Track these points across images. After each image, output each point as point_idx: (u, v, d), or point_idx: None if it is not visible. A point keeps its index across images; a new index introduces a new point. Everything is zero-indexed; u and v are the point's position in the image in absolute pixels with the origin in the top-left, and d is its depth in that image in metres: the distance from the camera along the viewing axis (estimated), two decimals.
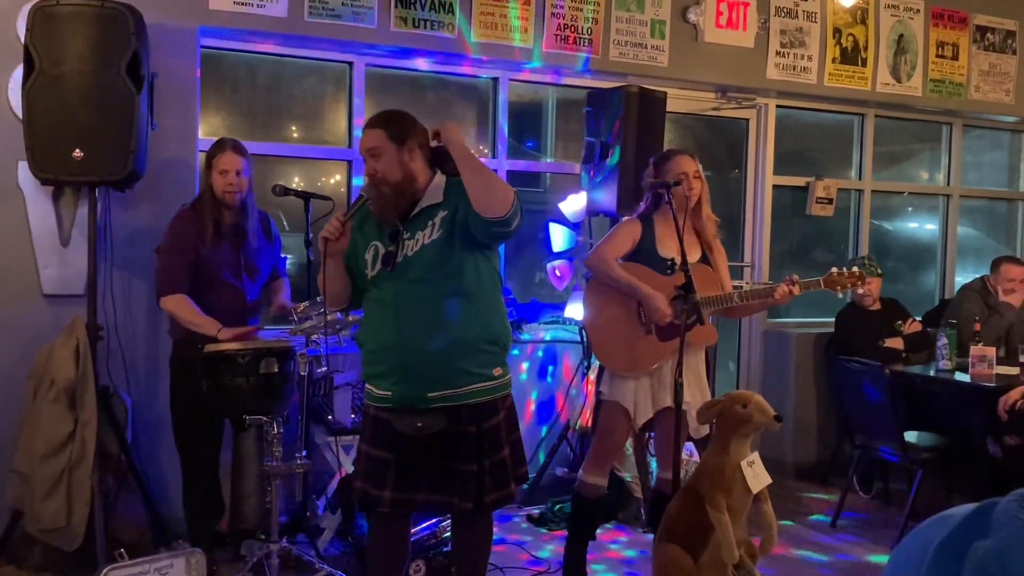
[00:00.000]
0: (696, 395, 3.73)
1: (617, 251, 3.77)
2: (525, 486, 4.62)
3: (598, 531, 4.73)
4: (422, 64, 5.01)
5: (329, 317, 3.62)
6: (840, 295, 3.79)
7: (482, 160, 5.29)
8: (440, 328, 2.93)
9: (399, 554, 3.21)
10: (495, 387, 3.04)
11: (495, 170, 5.23)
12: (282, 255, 4.28)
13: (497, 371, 3.05)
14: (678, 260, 3.64)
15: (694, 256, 3.75)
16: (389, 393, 2.98)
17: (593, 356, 4.27)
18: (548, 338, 5.28)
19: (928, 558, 0.73)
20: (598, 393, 3.88)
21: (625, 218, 3.99)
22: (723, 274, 3.82)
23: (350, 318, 3.71)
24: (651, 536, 4.01)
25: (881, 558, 4.47)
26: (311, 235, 4.03)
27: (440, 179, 3.03)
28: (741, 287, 3.92)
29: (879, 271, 5.48)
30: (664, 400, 3.71)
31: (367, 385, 3.10)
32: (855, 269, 3.80)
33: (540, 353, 5.29)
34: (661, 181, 3.70)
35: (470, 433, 2.97)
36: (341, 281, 3.07)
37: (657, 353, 3.70)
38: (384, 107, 5.15)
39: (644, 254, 3.76)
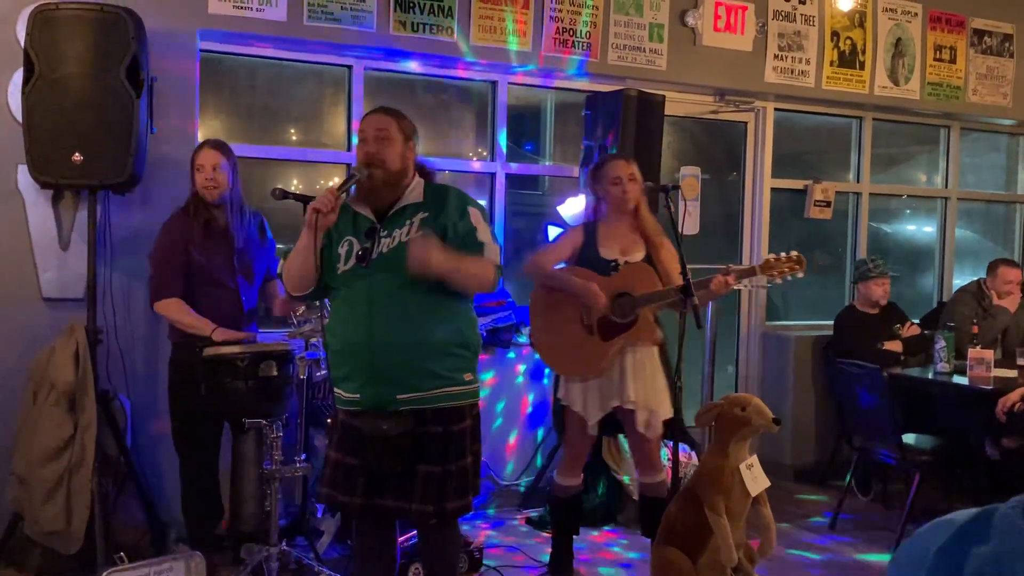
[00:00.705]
0: (643, 394, 3.77)
1: (553, 257, 3.90)
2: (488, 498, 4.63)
3: (597, 533, 4.74)
4: (420, 68, 5.02)
5: (326, 321, 3.62)
6: (779, 281, 3.75)
7: (480, 162, 5.31)
8: (411, 327, 2.89)
9: (385, 562, 3.18)
10: (464, 393, 3.00)
11: (493, 174, 5.26)
12: (277, 256, 4.27)
13: (467, 376, 3.01)
14: (621, 260, 3.77)
15: (637, 256, 3.84)
16: (357, 396, 2.94)
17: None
18: None
19: (928, 564, 0.74)
20: (557, 399, 3.95)
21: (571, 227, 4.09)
22: (670, 270, 3.81)
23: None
24: (649, 539, 4.04)
25: (880, 560, 4.48)
26: None
27: (420, 181, 3.08)
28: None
29: (888, 272, 5.49)
30: (612, 401, 3.78)
31: (336, 389, 3.04)
32: (793, 253, 3.78)
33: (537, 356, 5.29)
34: (660, 185, 3.77)
35: (435, 434, 2.93)
36: (309, 266, 2.96)
37: (603, 353, 3.74)
38: None
39: (587, 259, 3.84)
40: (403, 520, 3.25)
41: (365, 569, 3.17)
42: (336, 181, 5.09)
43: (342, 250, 2.99)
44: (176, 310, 3.81)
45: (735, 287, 3.83)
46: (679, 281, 3.66)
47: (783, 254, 3.76)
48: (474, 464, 3.06)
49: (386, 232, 2.96)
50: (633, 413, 3.77)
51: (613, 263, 3.80)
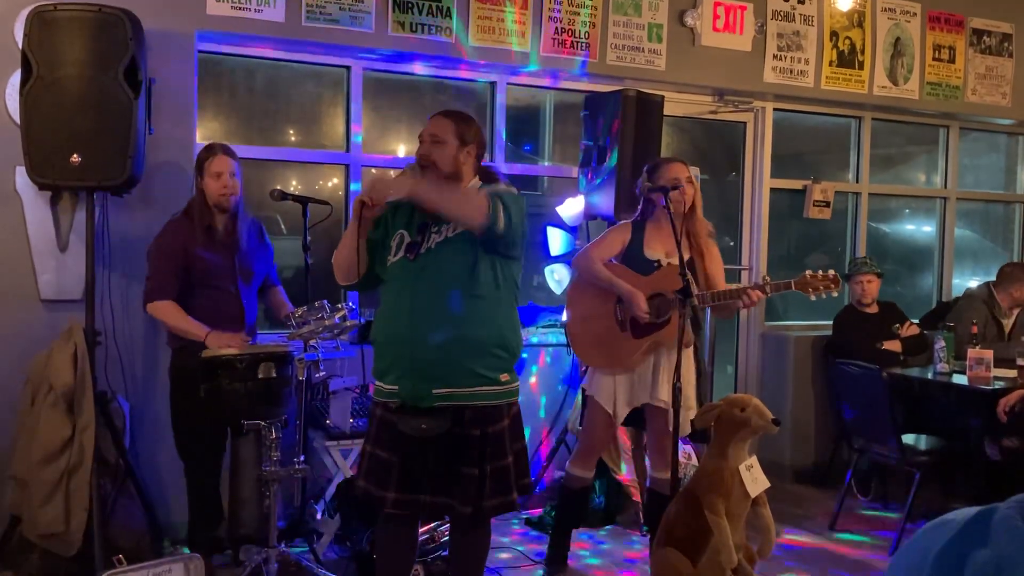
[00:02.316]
0: (665, 392, 3.79)
1: (604, 253, 3.96)
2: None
3: (596, 533, 4.73)
4: (419, 68, 5.01)
5: (327, 321, 3.62)
6: (813, 298, 3.79)
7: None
8: (451, 323, 2.96)
9: (406, 557, 3.23)
10: (501, 392, 3.05)
11: None
12: (275, 262, 4.26)
13: (504, 377, 3.06)
14: (663, 261, 3.83)
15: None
16: (396, 387, 3.01)
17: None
18: (548, 341, 5.28)
19: (928, 566, 0.73)
20: (582, 389, 4.01)
21: (620, 222, 4.10)
22: (713, 276, 3.91)
23: (348, 323, 3.71)
24: (648, 538, 4.06)
25: (880, 560, 4.47)
26: (309, 240, 4.03)
27: (477, 182, 3.14)
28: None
29: (878, 270, 5.50)
30: (641, 397, 3.85)
31: (376, 383, 3.12)
32: (830, 272, 3.80)
33: (544, 357, 5.29)
34: (659, 186, 3.82)
35: (473, 436, 2.98)
36: (353, 254, 3.08)
37: (633, 350, 3.79)
38: (382, 111, 5.19)
39: (631, 257, 3.93)
40: (436, 514, 3.30)
41: (386, 562, 3.20)
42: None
43: (394, 242, 3.09)
44: (169, 313, 3.79)
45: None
46: (724, 286, 3.76)
47: (820, 272, 3.78)
48: (517, 462, 3.10)
49: (436, 228, 3.04)
50: (662, 411, 3.80)
51: (656, 263, 3.88)
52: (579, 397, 4.37)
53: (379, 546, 3.24)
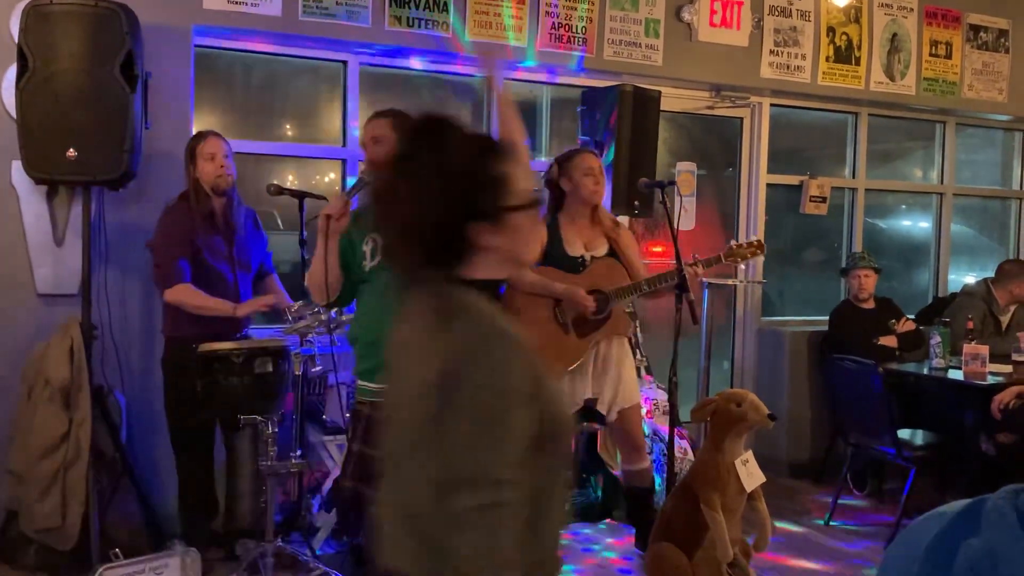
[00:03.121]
0: (612, 386, 3.83)
1: None
2: None
3: (593, 528, 4.74)
4: (416, 63, 5.01)
5: (323, 316, 3.62)
6: (742, 266, 3.88)
7: None
8: None
9: None
10: None
11: None
12: (269, 250, 4.26)
13: None
14: (587, 256, 3.81)
15: (600, 250, 3.91)
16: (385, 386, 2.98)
17: None
18: None
19: (920, 557, 0.74)
20: None
21: None
22: (634, 259, 3.94)
23: (344, 317, 3.71)
24: (634, 529, 4.09)
25: (875, 554, 4.48)
26: (306, 234, 4.03)
27: None
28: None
29: (875, 265, 5.51)
30: (583, 393, 3.87)
31: (359, 382, 3.12)
32: (753, 239, 3.93)
33: None
34: (656, 180, 3.82)
35: None
36: (334, 272, 3.09)
37: (581, 349, 3.81)
38: (379, 106, 5.16)
39: (553, 256, 3.87)
40: None
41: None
42: (337, 185, 5.09)
43: (367, 247, 3.10)
44: (189, 295, 3.79)
45: (703, 278, 3.91)
46: (645, 272, 3.79)
47: (744, 241, 3.92)
48: None
49: None
50: (618, 409, 3.88)
51: (580, 259, 3.87)
52: None
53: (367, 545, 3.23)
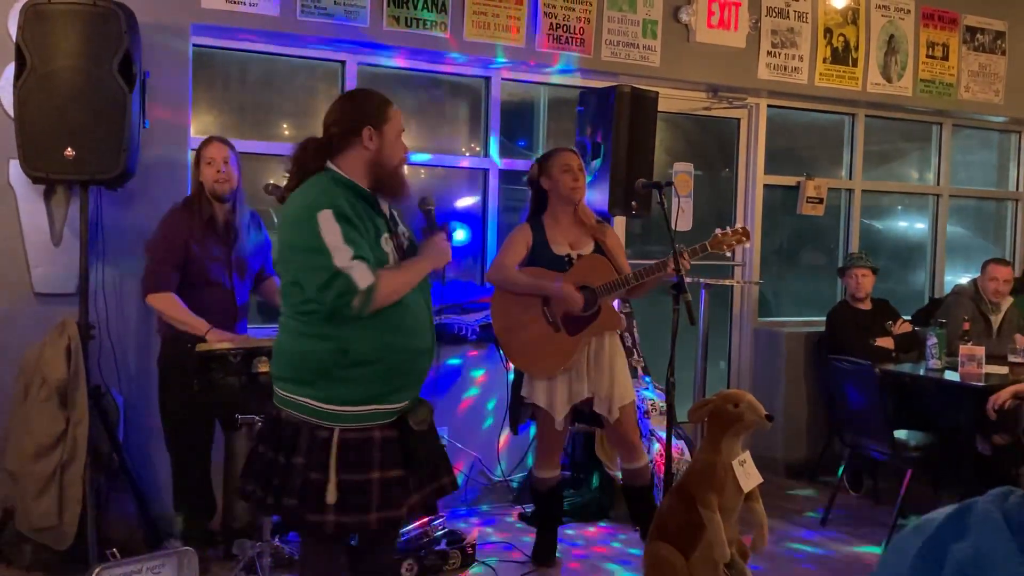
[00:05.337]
0: (605, 384, 3.86)
1: (515, 259, 3.92)
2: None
3: (590, 528, 4.75)
4: (414, 63, 5.01)
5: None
6: (728, 254, 3.90)
7: (473, 157, 5.31)
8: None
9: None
10: None
11: (486, 170, 5.27)
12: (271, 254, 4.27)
13: None
14: (572, 254, 3.86)
15: (586, 248, 3.93)
16: (406, 403, 2.74)
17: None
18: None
19: (908, 564, 0.75)
20: (521, 397, 3.98)
21: (516, 226, 4.12)
22: (619, 258, 3.96)
23: None
24: (637, 528, 4.12)
25: (871, 555, 4.49)
26: None
27: None
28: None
29: (872, 264, 5.52)
30: (580, 392, 3.87)
31: (373, 407, 2.66)
32: (739, 226, 3.94)
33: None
34: (654, 181, 3.84)
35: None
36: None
37: (572, 347, 3.80)
38: None
39: (540, 256, 3.90)
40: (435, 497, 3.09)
41: None
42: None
43: (388, 247, 2.71)
44: (169, 305, 3.79)
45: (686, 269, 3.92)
46: (628, 269, 3.82)
47: (729, 228, 3.92)
48: None
49: (401, 228, 2.87)
50: (611, 407, 3.88)
51: (566, 258, 3.88)
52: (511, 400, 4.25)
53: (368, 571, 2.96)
